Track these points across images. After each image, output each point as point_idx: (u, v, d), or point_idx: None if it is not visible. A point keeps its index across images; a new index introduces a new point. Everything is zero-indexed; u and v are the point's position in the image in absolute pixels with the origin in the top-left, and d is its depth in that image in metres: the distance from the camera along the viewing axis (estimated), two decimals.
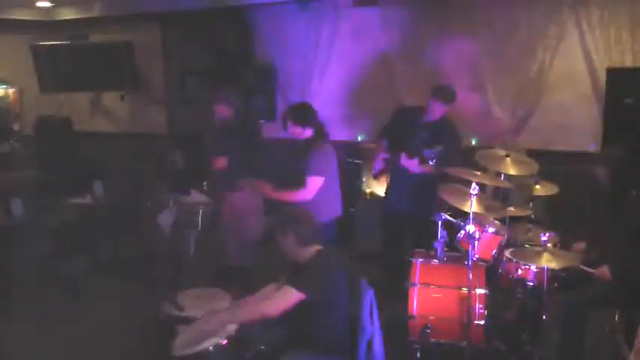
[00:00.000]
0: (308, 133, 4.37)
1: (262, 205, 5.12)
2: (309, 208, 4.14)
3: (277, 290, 3.18)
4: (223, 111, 5.00)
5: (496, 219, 4.41)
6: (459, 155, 4.81)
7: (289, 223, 3.26)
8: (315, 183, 4.22)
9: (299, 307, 3.29)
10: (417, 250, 4.35)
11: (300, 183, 4.23)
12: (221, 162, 4.97)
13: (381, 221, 5.36)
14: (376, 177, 5.23)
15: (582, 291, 3.82)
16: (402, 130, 4.94)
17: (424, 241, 4.44)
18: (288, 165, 4.56)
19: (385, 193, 5.28)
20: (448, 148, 4.71)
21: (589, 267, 3.86)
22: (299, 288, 3.04)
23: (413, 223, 4.95)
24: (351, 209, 6.13)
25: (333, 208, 4.45)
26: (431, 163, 4.63)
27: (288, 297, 3.05)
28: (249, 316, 3.15)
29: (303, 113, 4.43)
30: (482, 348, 4.01)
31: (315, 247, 3.26)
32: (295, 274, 3.17)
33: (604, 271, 3.75)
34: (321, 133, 4.43)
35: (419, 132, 4.84)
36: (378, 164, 5.11)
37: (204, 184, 5.10)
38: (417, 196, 4.86)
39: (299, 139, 4.39)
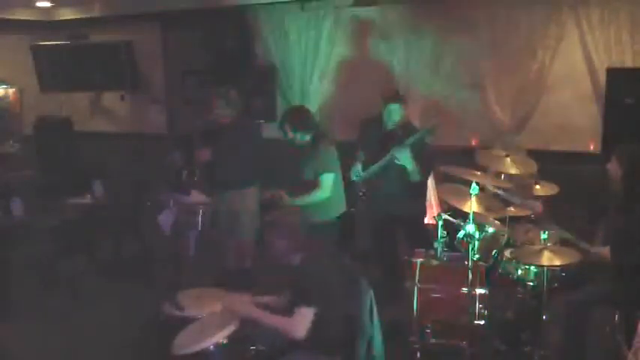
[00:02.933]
0: (308, 136, 4.47)
1: (259, 205, 5.14)
2: (320, 206, 4.23)
3: (291, 311, 3.13)
4: (222, 109, 5.01)
5: (496, 219, 4.41)
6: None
7: (284, 227, 3.25)
8: (328, 180, 4.39)
9: (295, 302, 3.30)
10: (417, 250, 4.35)
11: (314, 184, 4.38)
12: (205, 154, 4.99)
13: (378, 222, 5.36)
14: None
15: (582, 291, 3.82)
16: (371, 138, 4.96)
17: (416, 243, 4.47)
18: (290, 164, 4.60)
19: (374, 196, 5.27)
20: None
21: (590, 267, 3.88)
22: (310, 305, 3.05)
23: (402, 225, 4.94)
24: (351, 209, 6.12)
25: (340, 205, 4.64)
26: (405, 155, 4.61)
27: (308, 318, 3.05)
28: (279, 328, 3.13)
29: (300, 119, 4.53)
30: (482, 348, 4.01)
31: (308, 250, 3.26)
32: (296, 288, 3.16)
33: (605, 251, 3.74)
34: (320, 133, 4.53)
35: (387, 135, 4.83)
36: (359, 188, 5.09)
37: (185, 173, 5.15)
38: (403, 197, 4.86)
39: (301, 143, 4.49)
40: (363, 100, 6.72)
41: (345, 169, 4.85)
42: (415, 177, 4.71)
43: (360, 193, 5.08)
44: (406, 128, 4.81)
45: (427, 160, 4.79)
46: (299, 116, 4.55)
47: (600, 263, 3.80)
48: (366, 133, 5.07)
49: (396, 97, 4.88)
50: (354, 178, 4.97)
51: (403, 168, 4.67)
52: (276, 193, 4.51)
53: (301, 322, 3.04)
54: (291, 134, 4.48)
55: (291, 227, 3.25)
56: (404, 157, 4.61)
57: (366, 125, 5.13)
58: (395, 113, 4.78)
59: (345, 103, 7.02)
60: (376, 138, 4.89)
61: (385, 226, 4.99)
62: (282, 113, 4.87)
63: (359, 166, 4.95)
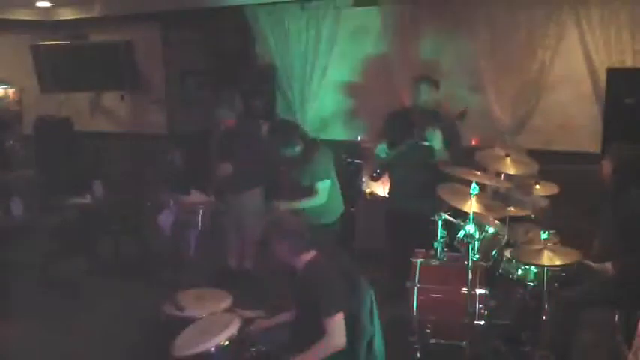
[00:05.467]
0: (298, 148, 4.46)
1: (263, 206, 5.14)
2: (318, 210, 4.23)
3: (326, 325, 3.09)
4: (226, 114, 5.03)
5: (496, 219, 4.41)
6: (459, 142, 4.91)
7: (284, 231, 3.26)
8: (324, 187, 4.42)
9: (299, 307, 3.30)
10: (417, 250, 4.35)
11: (311, 190, 4.40)
12: (226, 168, 5.00)
13: (381, 221, 5.36)
14: (375, 179, 5.23)
15: (583, 290, 3.82)
16: (398, 129, 4.96)
17: (427, 241, 4.45)
18: (291, 165, 4.60)
19: (388, 192, 5.30)
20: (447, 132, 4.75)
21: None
22: (336, 311, 3.04)
23: (416, 222, 4.93)
24: (352, 209, 6.13)
25: (337, 207, 4.65)
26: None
27: (339, 322, 3.05)
28: (321, 353, 3.07)
29: (285, 136, 4.50)
30: (482, 348, 4.01)
31: (310, 253, 3.25)
32: (313, 301, 3.13)
33: (607, 266, 3.74)
34: (310, 143, 4.55)
35: (416, 119, 4.86)
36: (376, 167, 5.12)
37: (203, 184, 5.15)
38: (420, 194, 4.87)
39: (292, 155, 4.48)
40: (365, 101, 6.77)
41: (344, 170, 4.86)
42: (442, 158, 4.71)
43: (375, 174, 5.05)
44: (436, 115, 4.85)
45: (457, 148, 4.82)
46: (283, 133, 4.52)
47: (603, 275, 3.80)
48: (391, 124, 5.07)
49: (427, 76, 4.98)
50: (381, 155, 4.94)
51: (429, 152, 4.67)
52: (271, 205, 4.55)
53: (336, 330, 3.03)
54: (282, 151, 4.48)
55: (292, 229, 3.26)
56: (434, 137, 4.62)
57: (392, 117, 5.15)
58: (425, 92, 4.85)
59: (345, 103, 7.04)
60: (403, 126, 4.90)
61: (400, 213, 4.97)
62: (268, 131, 4.84)
63: (384, 145, 4.93)
